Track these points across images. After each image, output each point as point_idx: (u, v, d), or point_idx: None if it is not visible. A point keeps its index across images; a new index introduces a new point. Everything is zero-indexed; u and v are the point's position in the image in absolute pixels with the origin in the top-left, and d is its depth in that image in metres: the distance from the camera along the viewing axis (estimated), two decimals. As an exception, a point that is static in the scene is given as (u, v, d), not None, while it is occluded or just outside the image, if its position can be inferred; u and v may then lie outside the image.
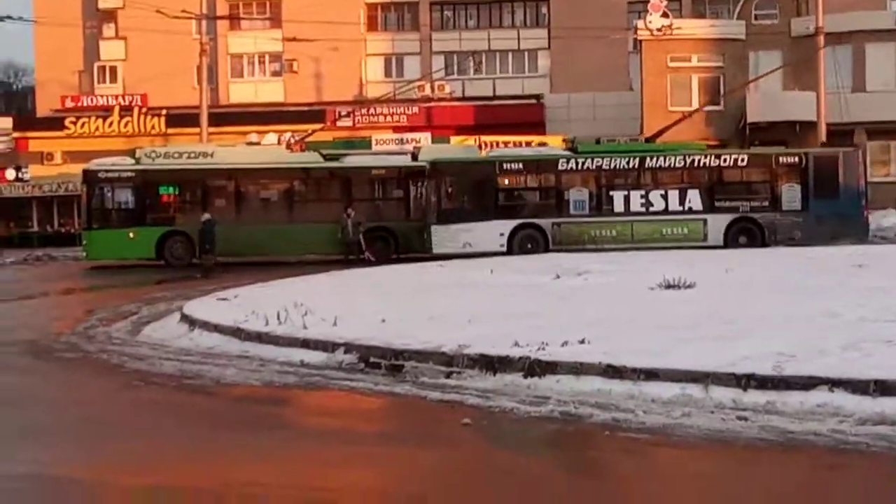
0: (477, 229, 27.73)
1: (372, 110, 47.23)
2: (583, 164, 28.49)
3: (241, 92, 52.78)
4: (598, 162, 28.45)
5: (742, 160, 29.05)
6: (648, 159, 28.52)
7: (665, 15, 41.08)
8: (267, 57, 52.99)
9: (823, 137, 34.71)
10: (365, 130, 45.58)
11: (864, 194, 28.72)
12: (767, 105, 39.73)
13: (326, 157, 31.24)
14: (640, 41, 41.76)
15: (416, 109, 47.95)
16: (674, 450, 8.09)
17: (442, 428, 9.22)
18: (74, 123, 48.15)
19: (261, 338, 13.42)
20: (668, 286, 15.99)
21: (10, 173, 48.34)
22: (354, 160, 31.67)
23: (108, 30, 53.53)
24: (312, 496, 7.18)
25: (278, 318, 13.79)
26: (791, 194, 28.42)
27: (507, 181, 28.83)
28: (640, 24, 41.63)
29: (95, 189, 30.08)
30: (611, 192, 28.44)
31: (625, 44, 49.52)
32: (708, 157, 28.83)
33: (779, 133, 38.31)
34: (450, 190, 28.64)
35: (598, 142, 30.29)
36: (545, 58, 53.28)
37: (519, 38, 53.37)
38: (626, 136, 32.74)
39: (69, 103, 49.61)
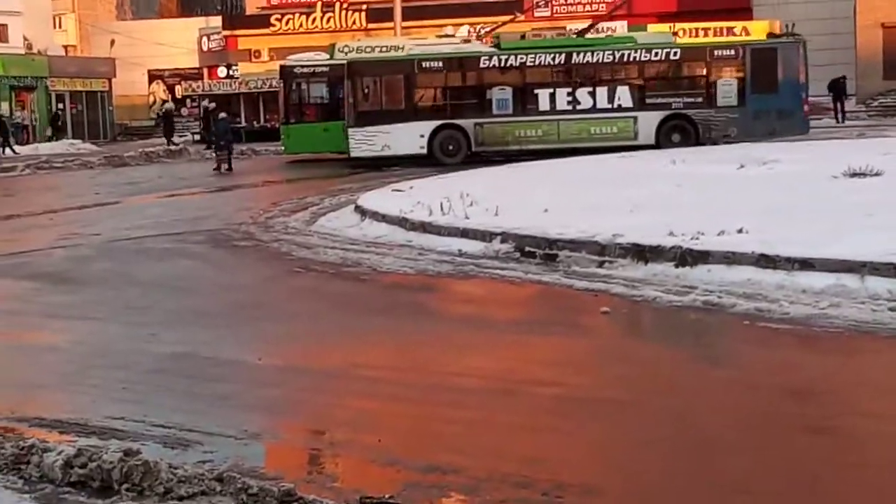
0: (395, 131, 26.50)
1: (570, -1, 46.27)
2: (506, 60, 26.81)
3: (443, -16, 52.42)
4: (521, 59, 26.80)
5: (675, 54, 26.92)
6: (575, 55, 26.81)
7: None
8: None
9: None
10: (563, 20, 44.66)
11: (805, 88, 26.40)
12: None
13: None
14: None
15: (616, -4, 46.59)
16: (810, 340, 7.76)
17: (580, 316, 9.14)
18: (280, 20, 49.28)
19: (424, 227, 13.54)
20: (854, 174, 15.16)
21: (222, 71, 50.29)
22: None
23: (315, -77, 54.10)
24: (428, 380, 7.26)
25: (441, 208, 13.85)
26: (727, 89, 26.26)
27: (426, 80, 27.35)
28: None
29: (292, 84, 30.67)
30: (536, 91, 26.78)
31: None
32: (638, 52, 26.89)
33: None
34: (367, 90, 27.50)
35: (522, 37, 28.77)
36: (758, -63, 50.55)
37: (731, -84, 50.80)
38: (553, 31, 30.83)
39: (275, 1, 50.74)
